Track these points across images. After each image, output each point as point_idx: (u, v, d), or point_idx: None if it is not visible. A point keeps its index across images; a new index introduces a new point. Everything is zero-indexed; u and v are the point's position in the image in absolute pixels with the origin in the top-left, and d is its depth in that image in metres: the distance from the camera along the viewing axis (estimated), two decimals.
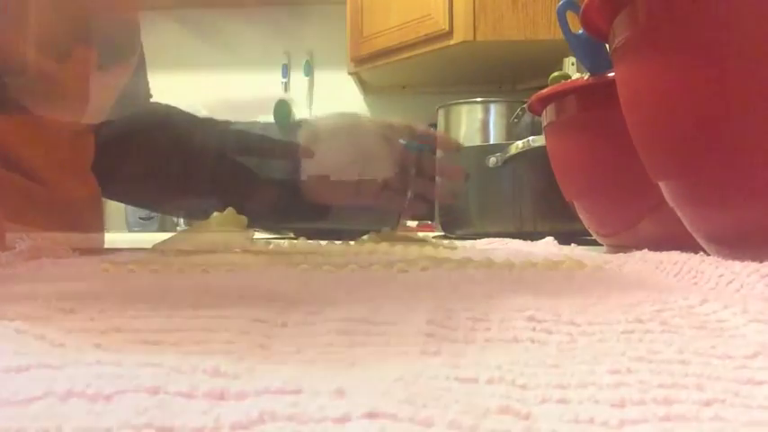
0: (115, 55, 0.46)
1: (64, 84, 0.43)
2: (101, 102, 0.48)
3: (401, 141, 0.56)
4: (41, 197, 0.41)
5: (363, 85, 2.02)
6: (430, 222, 1.59)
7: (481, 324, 0.19)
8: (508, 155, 0.98)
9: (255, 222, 0.54)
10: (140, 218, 1.94)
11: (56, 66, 0.42)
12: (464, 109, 1.32)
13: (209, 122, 0.62)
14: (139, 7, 0.48)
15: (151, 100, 0.62)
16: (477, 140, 1.27)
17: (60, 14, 0.42)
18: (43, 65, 0.40)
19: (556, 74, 0.68)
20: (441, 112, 1.38)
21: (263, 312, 0.20)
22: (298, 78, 2.15)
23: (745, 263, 0.28)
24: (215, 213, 0.50)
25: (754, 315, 0.20)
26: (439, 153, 0.65)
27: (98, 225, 0.51)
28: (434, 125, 1.48)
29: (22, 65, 0.39)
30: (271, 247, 0.55)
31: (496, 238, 0.82)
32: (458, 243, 0.88)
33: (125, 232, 1.92)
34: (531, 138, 0.95)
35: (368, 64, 1.71)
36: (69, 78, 0.44)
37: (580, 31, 0.53)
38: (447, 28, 1.45)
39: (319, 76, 2.16)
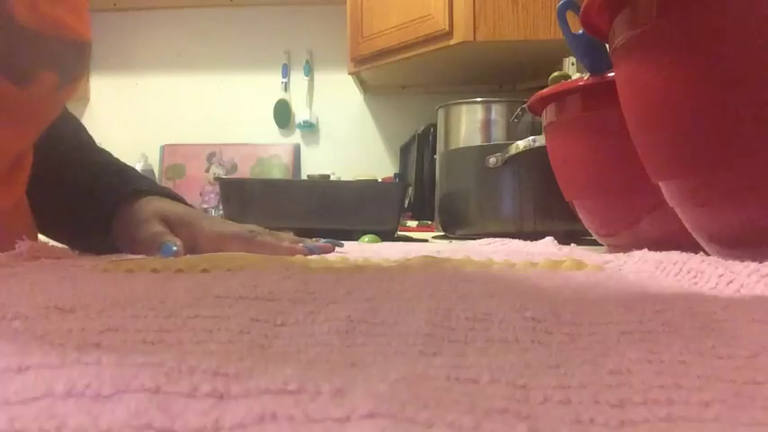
0: (71, 77, 0.47)
1: (24, 106, 0.44)
2: (52, 116, 0.48)
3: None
4: None
5: (363, 85, 2.02)
6: (430, 222, 1.59)
7: (481, 324, 0.19)
8: (508, 155, 0.98)
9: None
10: None
11: (15, 89, 0.42)
12: (464, 109, 1.32)
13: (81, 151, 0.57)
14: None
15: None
16: (477, 140, 1.27)
17: (27, 44, 0.42)
18: (5, 89, 0.41)
19: (556, 74, 0.68)
20: (441, 112, 1.38)
21: (262, 312, 0.20)
22: (298, 78, 2.15)
23: (745, 263, 0.28)
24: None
25: (755, 315, 0.20)
26: None
27: (29, 232, 0.50)
28: (434, 125, 1.48)
29: None
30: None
31: (496, 238, 0.82)
32: (458, 243, 0.88)
33: None
34: (531, 138, 0.95)
35: (368, 64, 1.71)
36: (28, 101, 0.44)
37: (580, 31, 0.53)
38: (447, 28, 1.45)
39: (319, 76, 2.16)
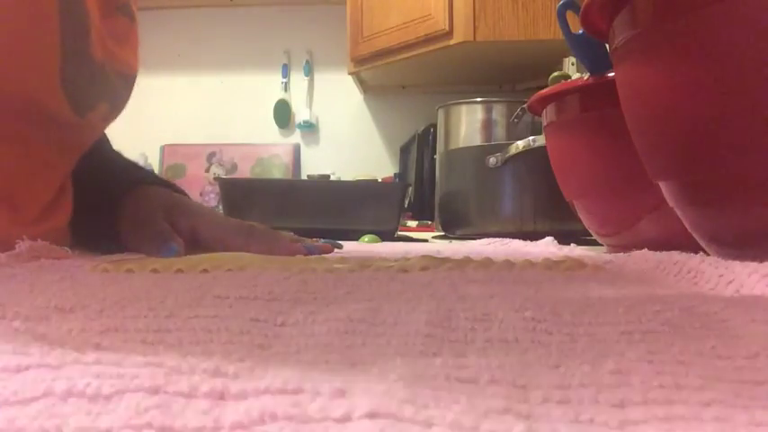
0: (117, 107, 0.48)
1: (78, 134, 0.46)
2: (91, 143, 0.50)
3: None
4: (19, 230, 0.41)
5: (363, 85, 2.02)
6: (430, 222, 1.59)
7: (481, 324, 0.19)
8: (508, 155, 0.98)
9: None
10: None
11: (75, 118, 0.44)
12: (464, 109, 1.32)
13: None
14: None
15: None
16: (477, 140, 1.27)
17: (96, 78, 0.45)
18: (68, 117, 0.42)
19: (556, 74, 0.68)
20: (441, 112, 1.38)
21: (262, 312, 0.20)
22: (298, 78, 2.15)
23: (745, 263, 0.28)
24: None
25: (754, 315, 0.20)
26: None
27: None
28: (434, 125, 1.48)
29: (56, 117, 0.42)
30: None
31: (496, 238, 0.82)
32: (458, 243, 0.88)
33: None
34: (531, 138, 0.95)
35: (368, 64, 1.71)
36: (83, 129, 0.47)
37: (580, 31, 0.53)
38: (447, 28, 1.45)
39: (319, 76, 2.16)
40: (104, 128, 0.51)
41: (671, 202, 0.38)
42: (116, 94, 0.48)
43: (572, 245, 0.63)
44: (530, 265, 0.38)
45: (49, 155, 0.45)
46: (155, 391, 0.12)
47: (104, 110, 0.47)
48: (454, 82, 1.86)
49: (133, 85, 0.51)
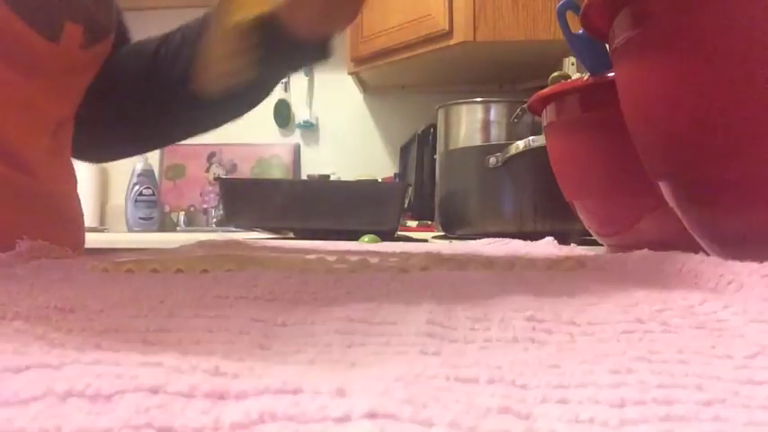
0: (97, 33, 0.47)
1: (57, 63, 0.44)
2: (85, 81, 0.48)
3: None
4: (26, 187, 0.41)
5: (363, 85, 2.01)
6: (430, 222, 1.59)
7: (481, 324, 0.19)
8: (508, 155, 0.98)
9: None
10: (140, 218, 1.94)
11: (47, 44, 0.43)
12: (464, 109, 1.32)
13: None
14: None
15: None
16: (477, 140, 1.27)
17: None
18: (36, 44, 0.41)
19: (556, 74, 0.68)
20: (441, 112, 1.38)
21: (262, 312, 0.20)
22: (298, 78, 2.15)
23: (745, 263, 0.28)
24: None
25: (754, 315, 0.20)
26: None
27: (78, 218, 0.51)
28: (434, 125, 1.47)
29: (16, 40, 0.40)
30: (271, 246, 0.55)
31: (496, 238, 0.82)
32: (458, 243, 0.88)
33: (125, 232, 1.92)
34: (531, 138, 0.95)
35: (368, 64, 1.71)
36: (61, 58, 0.45)
37: (580, 31, 0.53)
38: (447, 28, 1.45)
39: (319, 76, 2.16)
40: (92, 62, 0.49)
41: (671, 202, 0.38)
42: (85, 13, 0.46)
43: (572, 245, 0.63)
44: (530, 265, 0.38)
45: (32, 94, 0.43)
46: (155, 391, 0.12)
47: (77, 33, 0.45)
48: (454, 82, 1.86)
49: (111, 8, 0.49)
